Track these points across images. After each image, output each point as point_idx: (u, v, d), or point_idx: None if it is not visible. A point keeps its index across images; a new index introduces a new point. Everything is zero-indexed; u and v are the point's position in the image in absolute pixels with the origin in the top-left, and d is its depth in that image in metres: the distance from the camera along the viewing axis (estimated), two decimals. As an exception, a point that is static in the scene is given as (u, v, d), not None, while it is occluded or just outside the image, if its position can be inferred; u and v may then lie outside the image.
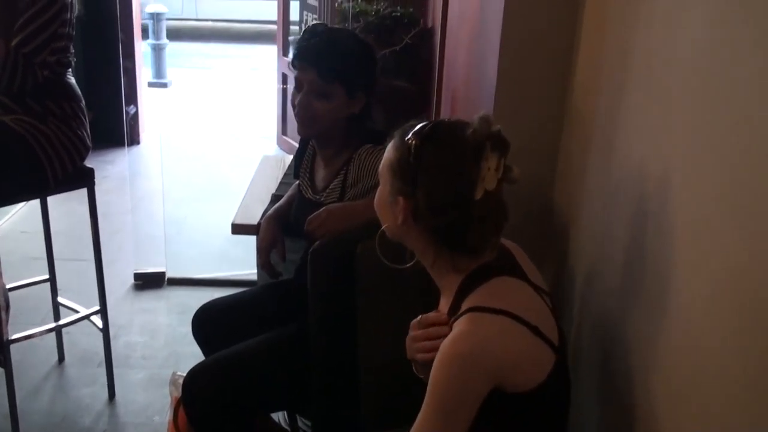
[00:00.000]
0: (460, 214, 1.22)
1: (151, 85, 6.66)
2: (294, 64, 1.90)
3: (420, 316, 1.33)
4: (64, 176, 2.39)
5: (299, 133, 2.01)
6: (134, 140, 5.39)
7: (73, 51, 2.39)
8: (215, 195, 4.57)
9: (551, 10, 1.74)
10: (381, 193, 1.34)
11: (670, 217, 1.17)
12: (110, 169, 4.91)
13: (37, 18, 2.19)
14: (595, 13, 1.63)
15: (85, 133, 2.46)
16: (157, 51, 7.15)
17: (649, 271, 1.24)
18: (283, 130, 5.30)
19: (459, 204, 1.22)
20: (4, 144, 2.23)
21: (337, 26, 2.45)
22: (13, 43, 2.17)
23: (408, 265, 1.36)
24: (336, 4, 3.54)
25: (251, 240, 2.66)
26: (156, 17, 7.18)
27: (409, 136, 1.26)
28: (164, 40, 7.22)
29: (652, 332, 1.21)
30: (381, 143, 1.80)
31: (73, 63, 2.40)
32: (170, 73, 7.31)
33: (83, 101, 2.47)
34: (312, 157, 2.09)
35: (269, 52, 8.73)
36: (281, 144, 5.33)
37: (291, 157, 3.40)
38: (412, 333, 1.33)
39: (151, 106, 5.81)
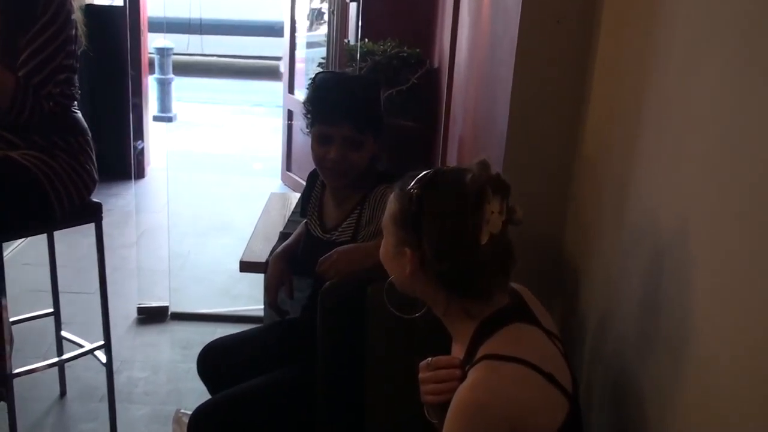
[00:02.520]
0: (468, 259, 1.23)
1: (156, 119, 6.70)
2: (322, 120, 1.91)
3: (430, 358, 1.33)
4: (71, 210, 2.39)
5: (333, 183, 2.00)
6: (139, 174, 5.41)
7: (77, 84, 2.40)
8: (219, 230, 4.58)
9: (563, 56, 1.76)
10: (386, 246, 1.35)
11: (686, 264, 1.17)
12: (114, 202, 4.92)
13: (43, 50, 2.20)
14: (608, 60, 1.65)
15: (92, 167, 2.46)
16: (164, 85, 7.21)
17: (665, 319, 1.24)
18: (288, 166, 5.32)
19: (466, 250, 1.22)
20: (12, 178, 2.23)
21: (345, 72, 2.47)
22: (20, 74, 2.19)
23: (418, 314, 1.36)
24: (343, 44, 3.58)
25: (255, 276, 2.67)
26: (163, 52, 7.24)
27: (410, 185, 1.27)
28: (170, 75, 7.28)
29: (668, 384, 1.21)
30: (394, 183, 1.82)
31: (78, 96, 2.41)
32: (175, 107, 7.36)
33: (90, 135, 2.47)
34: (320, 195, 2.10)
35: (272, 88, 8.83)
36: (285, 180, 5.35)
37: (297, 194, 3.43)
38: (423, 375, 1.33)
39: (156, 140, 5.84)
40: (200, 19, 9.57)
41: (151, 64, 6.59)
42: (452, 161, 3.03)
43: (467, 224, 1.22)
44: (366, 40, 4.01)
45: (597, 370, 1.59)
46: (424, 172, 1.29)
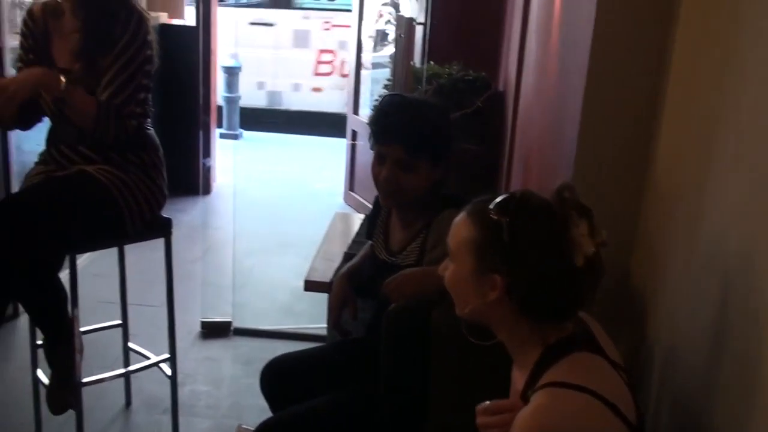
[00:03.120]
0: (563, 284, 1.23)
1: (222, 136, 6.83)
2: (378, 140, 1.94)
3: (488, 402, 1.31)
4: (142, 225, 2.46)
5: (384, 203, 2.04)
6: (205, 190, 5.52)
7: (151, 102, 2.47)
8: (282, 247, 4.63)
9: (635, 76, 1.74)
10: (459, 273, 1.33)
11: (759, 299, 1.14)
12: (180, 217, 5.02)
13: (124, 71, 2.28)
14: (681, 80, 1.63)
15: (163, 183, 2.53)
16: (230, 104, 7.34)
17: (736, 357, 1.21)
18: (350, 186, 5.36)
19: (561, 274, 1.22)
20: (89, 193, 2.30)
21: (412, 96, 2.49)
22: (104, 96, 2.27)
23: (493, 341, 1.35)
24: (409, 66, 3.61)
25: (317, 294, 2.69)
26: (231, 71, 7.39)
27: (493, 211, 1.27)
28: (237, 93, 7.41)
29: (738, 426, 1.18)
30: (461, 208, 1.82)
31: (151, 113, 2.49)
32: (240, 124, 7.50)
33: (161, 151, 2.55)
34: (386, 218, 2.11)
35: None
36: (348, 200, 5.40)
37: (360, 215, 3.46)
38: (483, 420, 1.31)
39: (222, 157, 5.96)
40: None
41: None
42: (517, 185, 3.02)
43: (561, 249, 1.22)
44: (431, 62, 4.03)
45: (664, 403, 1.55)
46: (503, 197, 1.28)
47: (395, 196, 1.95)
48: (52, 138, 2.43)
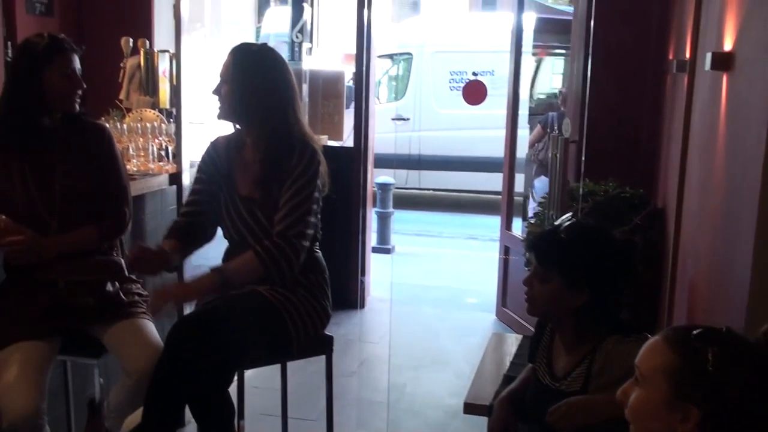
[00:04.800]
0: (764, 426, 1.19)
1: (375, 250, 7.00)
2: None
3: None
4: (306, 343, 2.56)
5: (527, 310, 2.06)
6: (360, 304, 5.64)
7: (320, 225, 2.61)
8: (435, 364, 4.62)
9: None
10: (649, 399, 1.29)
11: None
12: (336, 330, 5.12)
13: (299, 205, 2.46)
14: None
15: (327, 303, 2.64)
16: (383, 219, 7.56)
17: None
18: (503, 302, 5.32)
19: (765, 416, 1.19)
20: (260, 313, 2.44)
21: (577, 218, 2.53)
22: (278, 228, 2.44)
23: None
24: (566, 184, 3.62)
25: (473, 416, 2.66)
26: (384, 187, 7.65)
27: (698, 340, 1.23)
28: (390, 209, 7.64)
29: None
30: (628, 334, 1.79)
31: (320, 237, 2.62)
32: (392, 239, 7.68)
33: (327, 273, 2.67)
34: (549, 341, 2.09)
35: (486, 222, 8.97)
36: (501, 316, 5.35)
37: (516, 334, 3.43)
38: None
39: (375, 271, 6.10)
40: (419, 155, 10.04)
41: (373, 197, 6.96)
42: (681, 308, 2.90)
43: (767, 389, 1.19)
44: (587, 180, 4.02)
45: None
46: (706, 327, 1.26)
47: (531, 304, 2.02)
48: (229, 257, 2.62)
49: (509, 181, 5.36)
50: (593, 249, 1.94)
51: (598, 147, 4.15)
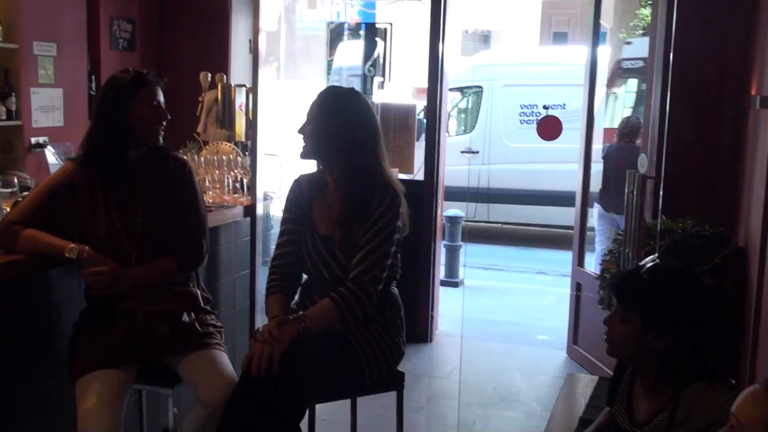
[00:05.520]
0: None
1: (443, 283, 6.96)
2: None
3: None
4: (379, 379, 2.55)
5: (606, 351, 2.01)
6: (429, 338, 5.61)
7: (400, 264, 2.61)
8: (503, 401, 4.54)
9: None
10: None
11: None
12: (404, 364, 5.05)
13: (377, 249, 2.48)
14: None
15: (401, 340, 2.63)
16: (452, 252, 7.53)
17: None
18: (575, 339, 5.22)
19: None
20: (334, 348, 2.45)
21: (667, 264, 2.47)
22: (353, 274, 2.46)
23: None
24: (643, 221, 3.55)
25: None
26: (453, 220, 7.62)
27: None
28: (459, 242, 7.60)
29: None
30: (713, 381, 1.73)
31: (398, 275, 2.62)
32: (461, 272, 7.63)
33: (402, 310, 2.66)
34: (630, 384, 2.03)
35: (555, 257, 8.85)
36: (571, 353, 5.24)
37: (590, 375, 3.35)
38: None
39: (443, 305, 6.05)
40: (488, 188, 9.99)
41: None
42: (766, 353, 2.79)
43: None
44: (664, 217, 3.93)
45: None
46: None
47: (610, 343, 1.97)
48: (306, 290, 2.64)
49: (582, 216, 5.27)
50: (678, 292, 1.88)
51: (675, 183, 4.05)
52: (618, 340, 1.93)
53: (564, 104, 8.35)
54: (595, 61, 5.06)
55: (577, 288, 5.21)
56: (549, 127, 3.95)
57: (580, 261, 5.23)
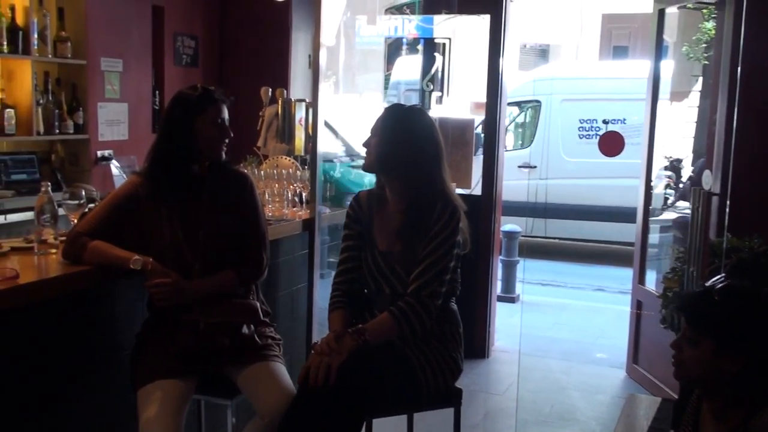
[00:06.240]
0: None
1: (500, 299, 6.90)
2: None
3: None
4: (436, 395, 2.53)
5: (674, 375, 1.96)
6: (485, 354, 5.56)
7: (459, 280, 2.60)
8: (560, 420, 4.47)
9: None
10: None
11: None
12: (460, 380, 5.06)
13: (436, 264, 2.48)
14: None
15: (459, 357, 2.62)
16: (508, 267, 7.46)
17: None
18: (635, 358, 5.11)
19: None
20: (393, 362, 2.45)
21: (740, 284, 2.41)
22: (412, 288, 2.46)
23: None
24: (707, 239, 3.46)
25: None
26: (510, 235, 7.56)
27: None
28: (516, 257, 7.54)
29: None
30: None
31: (458, 291, 2.61)
32: (517, 288, 7.55)
33: (461, 326, 2.65)
34: (696, 407, 1.98)
35: (614, 274, 8.70)
36: (631, 373, 5.13)
37: (653, 397, 3.27)
38: None
39: (499, 320, 6.00)
40: (545, 203, 9.90)
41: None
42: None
43: None
44: (729, 235, 3.82)
45: None
46: None
47: (677, 367, 1.91)
48: (367, 304, 2.65)
49: (643, 233, 5.17)
50: (754, 314, 1.83)
51: (741, 200, 3.95)
52: (687, 363, 1.87)
53: (624, 119, 8.22)
54: (657, 76, 4.98)
55: (638, 306, 5.11)
56: (611, 143, 3.90)
57: (641, 278, 5.13)
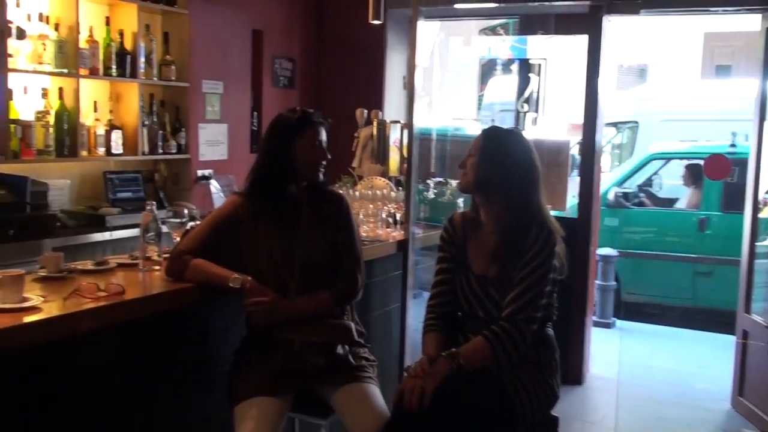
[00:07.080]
0: None
1: (595, 324, 6.73)
2: None
3: None
4: (532, 422, 2.47)
5: None
6: (580, 380, 5.43)
7: (556, 304, 2.54)
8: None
9: None
10: None
11: None
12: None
13: (531, 288, 2.44)
14: None
15: (555, 383, 2.55)
16: (604, 292, 7.27)
17: None
18: (740, 391, 4.88)
19: None
20: (487, 388, 2.40)
21: None
22: (506, 312, 2.43)
23: None
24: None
25: None
26: (606, 259, 7.37)
27: None
28: (612, 282, 7.33)
29: None
30: None
31: (554, 316, 2.55)
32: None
33: (558, 352, 2.58)
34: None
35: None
36: (737, 406, 4.90)
37: (755, 431, 3.10)
38: None
39: (594, 346, 5.84)
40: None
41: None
42: None
43: None
44: None
45: None
46: None
47: None
48: (461, 327, 2.63)
49: (749, 259, 4.94)
50: None
51: None
52: None
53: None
54: (765, 95, 4.77)
55: (744, 336, 4.88)
56: (717, 167, 3.75)
57: (747, 307, 4.90)
